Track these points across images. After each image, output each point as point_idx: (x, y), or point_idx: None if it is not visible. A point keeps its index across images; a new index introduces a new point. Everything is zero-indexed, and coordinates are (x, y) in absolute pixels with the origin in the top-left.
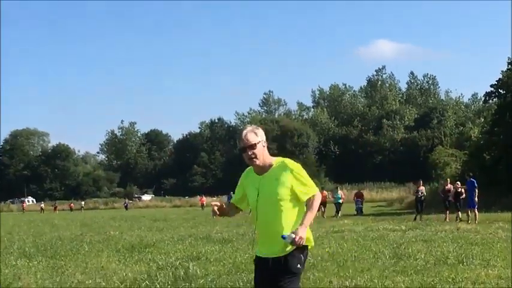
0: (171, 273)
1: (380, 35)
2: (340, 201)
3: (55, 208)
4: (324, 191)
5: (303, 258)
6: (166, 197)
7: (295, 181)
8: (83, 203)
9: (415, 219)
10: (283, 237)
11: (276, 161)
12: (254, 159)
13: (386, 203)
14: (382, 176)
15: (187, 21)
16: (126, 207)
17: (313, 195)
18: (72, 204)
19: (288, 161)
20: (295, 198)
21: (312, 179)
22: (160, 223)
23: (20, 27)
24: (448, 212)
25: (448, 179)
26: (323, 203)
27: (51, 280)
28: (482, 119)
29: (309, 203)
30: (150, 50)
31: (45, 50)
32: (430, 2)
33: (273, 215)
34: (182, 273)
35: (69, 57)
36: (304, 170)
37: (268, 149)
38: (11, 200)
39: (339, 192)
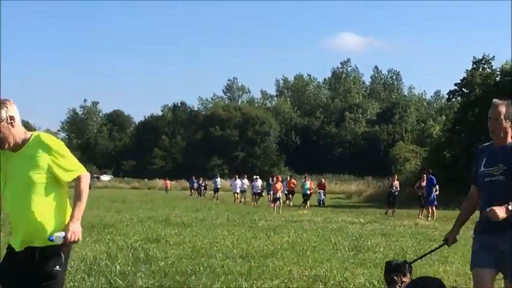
0: (131, 254)
1: (345, 28)
2: (308, 192)
3: None
4: (293, 180)
5: (63, 258)
6: (125, 178)
7: (54, 160)
8: None
9: (386, 213)
10: (51, 239)
11: (32, 137)
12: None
13: (345, 196)
14: (342, 168)
15: (154, 1)
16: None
17: (79, 177)
18: None
19: (45, 136)
20: (54, 181)
21: (271, 167)
22: (119, 204)
23: None
24: (423, 208)
25: (425, 175)
26: (291, 192)
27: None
28: (444, 117)
29: (76, 188)
30: (116, 30)
31: (8, 22)
32: None
33: (25, 203)
34: (142, 254)
35: (33, 32)
36: (65, 147)
37: (231, 135)
38: None
39: (307, 182)
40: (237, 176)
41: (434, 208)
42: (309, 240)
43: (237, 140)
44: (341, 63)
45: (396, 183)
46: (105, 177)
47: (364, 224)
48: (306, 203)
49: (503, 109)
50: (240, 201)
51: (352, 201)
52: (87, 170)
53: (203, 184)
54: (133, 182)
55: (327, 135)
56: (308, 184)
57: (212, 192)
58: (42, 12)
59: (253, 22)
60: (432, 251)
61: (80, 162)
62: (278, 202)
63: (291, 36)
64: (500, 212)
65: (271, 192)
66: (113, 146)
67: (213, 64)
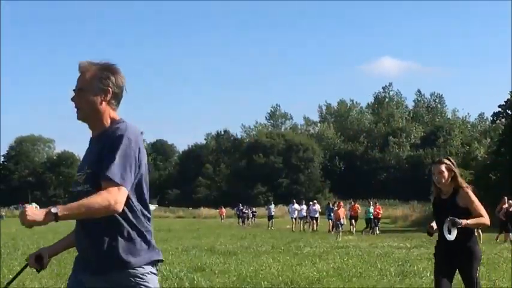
0: (176, 284)
1: (383, 52)
2: (371, 216)
3: None
4: (357, 204)
5: None
6: (170, 207)
7: None
8: None
9: (497, 238)
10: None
11: None
12: None
13: (391, 220)
14: (387, 193)
15: (195, 31)
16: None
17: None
18: None
19: None
20: None
21: (316, 193)
22: (164, 233)
23: (26, 32)
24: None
25: (506, 197)
26: (354, 217)
27: (56, 287)
28: (489, 139)
29: None
30: (158, 59)
31: (50, 56)
32: (434, 19)
33: None
34: (187, 284)
35: (74, 64)
36: None
37: (274, 162)
38: (14, 206)
39: (371, 207)
40: (294, 201)
41: (480, 231)
42: (355, 266)
43: (281, 166)
44: (383, 87)
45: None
46: (151, 207)
47: (410, 249)
48: (370, 229)
49: None
50: (300, 229)
51: (398, 225)
52: None
53: (250, 212)
54: (178, 211)
55: (371, 160)
56: (372, 209)
57: (256, 219)
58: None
59: (293, 49)
60: None
61: None
62: (340, 228)
63: (332, 62)
64: None
65: (333, 218)
66: (157, 175)
67: (256, 91)
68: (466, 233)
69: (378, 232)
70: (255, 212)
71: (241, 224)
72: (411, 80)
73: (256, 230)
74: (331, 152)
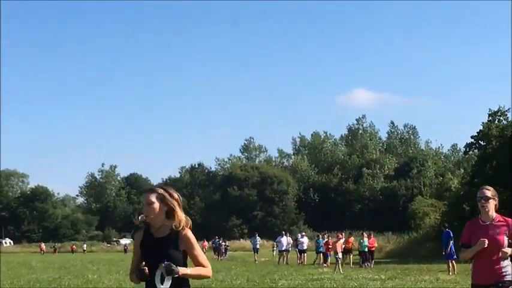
0: None
1: (358, 84)
2: (366, 249)
3: (55, 250)
4: (351, 238)
5: None
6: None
7: None
8: (85, 246)
9: None
10: None
11: None
12: None
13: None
14: (361, 224)
15: (168, 65)
16: (125, 251)
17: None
18: (74, 246)
19: None
20: None
21: (291, 226)
22: None
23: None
24: None
25: None
26: (348, 250)
27: None
28: (462, 170)
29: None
30: (132, 94)
31: (24, 90)
32: (406, 50)
33: None
34: None
35: (49, 98)
36: None
37: (249, 195)
38: None
39: (365, 239)
40: (283, 233)
41: (454, 262)
42: None
43: (256, 199)
44: (356, 119)
45: None
46: (125, 241)
47: (385, 281)
48: (367, 262)
49: None
50: (286, 262)
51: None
52: (106, 234)
53: (224, 245)
54: None
55: (345, 192)
56: (366, 241)
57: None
58: (55, 77)
59: (267, 81)
60: None
61: (99, 226)
62: (339, 261)
63: (305, 94)
64: None
65: (330, 252)
66: (131, 209)
67: (230, 124)
68: None
69: (371, 265)
70: (228, 245)
71: (216, 257)
72: (384, 112)
73: (231, 263)
74: (306, 184)
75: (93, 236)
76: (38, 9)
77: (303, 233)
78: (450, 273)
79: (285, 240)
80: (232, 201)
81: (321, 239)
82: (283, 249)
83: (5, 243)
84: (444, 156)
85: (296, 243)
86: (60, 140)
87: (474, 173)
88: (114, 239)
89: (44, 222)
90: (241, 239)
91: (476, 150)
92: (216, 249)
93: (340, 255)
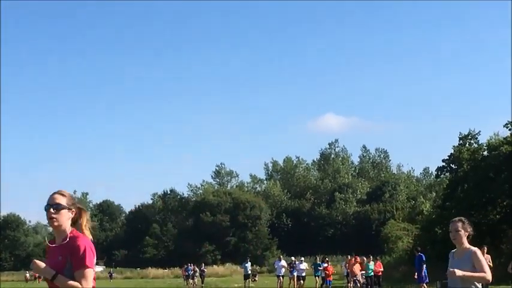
0: None
1: (327, 109)
2: (372, 274)
3: (36, 277)
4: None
5: None
6: (118, 268)
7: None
8: None
9: None
10: None
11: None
12: None
13: (339, 277)
14: (334, 249)
15: (138, 93)
16: (110, 277)
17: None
18: None
19: None
20: None
21: (264, 251)
22: None
23: None
24: None
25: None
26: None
27: None
28: (434, 193)
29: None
30: (103, 120)
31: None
32: (374, 73)
33: None
34: None
35: (17, 124)
36: None
37: (222, 221)
38: None
39: (371, 263)
40: (281, 257)
41: (425, 286)
42: None
43: (228, 225)
44: (329, 143)
45: None
46: (98, 268)
47: None
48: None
49: None
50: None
51: (346, 282)
52: None
53: (198, 271)
54: (126, 272)
55: (318, 217)
56: (372, 265)
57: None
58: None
59: (237, 106)
60: None
61: None
62: (358, 285)
63: (277, 120)
64: None
65: (331, 278)
66: (104, 236)
67: (201, 150)
68: None
69: None
70: (204, 270)
71: (192, 284)
72: (355, 136)
73: None
74: (278, 209)
75: None
76: None
77: (302, 259)
78: None
79: (284, 264)
80: (205, 227)
81: (318, 263)
82: (281, 274)
83: None
84: (416, 180)
85: (291, 268)
86: (30, 167)
87: (446, 196)
88: None
89: (15, 251)
90: (214, 265)
91: (447, 174)
92: (188, 277)
93: (359, 277)
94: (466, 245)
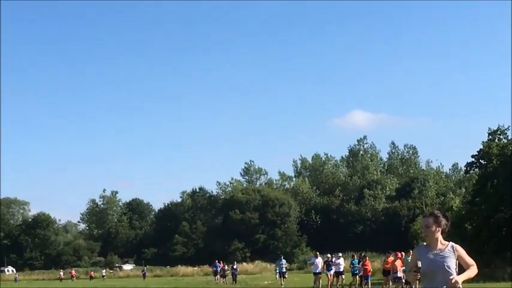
0: None
1: (354, 106)
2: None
3: (72, 276)
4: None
5: None
6: (148, 266)
7: None
8: (104, 272)
9: None
10: None
11: None
12: None
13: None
14: (364, 245)
15: (168, 91)
16: (144, 275)
17: None
18: (92, 273)
19: None
20: None
21: (293, 248)
22: None
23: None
24: None
25: None
26: (388, 271)
27: None
28: (463, 189)
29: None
30: (132, 120)
31: (25, 117)
32: (402, 69)
33: None
34: None
35: (50, 126)
36: None
37: (251, 218)
38: None
39: (409, 258)
40: (317, 253)
41: None
42: None
43: (257, 222)
44: (357, 140)
45: None
46: (128, 266)
47: None
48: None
49: None
50: (336, 283)
51: (376, 278)
52: (109, 260)
53: (227, 269)
54: (155, 270)
55: (347, 213)
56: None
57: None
58: (55, 105)
59: (266, 104)
60: None
61: (101, 252)
62: (402, 281)
63: (304, 118)
64: None
65: (369, 273)
66: (133, 234)
67: (230, 148)
68: None
69: None
70: (236, 269)
71: (221, 281)
72: (384, 132)
73: None
74: (307, 206)
75: (96, 262)
76: None
77: (339, 254)
78: None
79: (320, 261)
80: (234, 224)
81: (356, 260)
82: (318, 271)
83: (7, 271)
84: (445, 176)
85: (328, 264)
86: (60, 166)
87: (475, 192)
88: (117, 264)
89: (46, 250)
90: (244, 263)
91: (477, 169)
92: (216, 273)
93: (400, 274)
94: (442, 240)
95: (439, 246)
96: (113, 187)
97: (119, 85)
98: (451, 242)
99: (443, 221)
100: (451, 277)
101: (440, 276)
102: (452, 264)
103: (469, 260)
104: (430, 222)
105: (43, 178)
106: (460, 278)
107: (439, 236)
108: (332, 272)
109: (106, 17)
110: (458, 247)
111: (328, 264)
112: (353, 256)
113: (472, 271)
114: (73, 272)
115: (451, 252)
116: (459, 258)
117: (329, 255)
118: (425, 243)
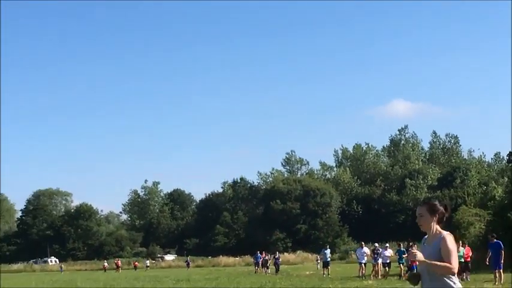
0: None
1: (395, 95)
2: (462, 259)
3: (117, 267)
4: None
5: None
6: (189, 256)
7: None
8: (147, 262)
9: None
10: None
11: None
12: None
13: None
14: (405, 235)
15: (209, 82)
16: (188, 265)
17: None
18: (136, 263)
19: None
20: None
21: (335, 238)
22: (184, 283)
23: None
24: None
25: None
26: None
27: None
28: (506, 179)
29: None
30: (174, 111)
31: (68, 109)
32: (444, 58)
33: None
34: None
35: (92, 117)
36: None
37: (292, 208)
38: (33, 260)
39: (461, 248)
40: (363, 243)
41: (501, 272)
42: None
43: (299, 212)
44: (399, 130)
45: None
46: (169, 257)
47: None
48: (463, 273)
49: None
50: (377, 275)
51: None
52: (151, 250)
53: (270, 259)
54: (197, 260)
55: (388, 203)
56: (462, 251)
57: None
58: (93, 97)
59: (307, 94)
60: None
61: (143, 242)
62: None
63: (345, 108)
64: None
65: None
66: (175, 225)
67: (271, 138)
68: None
69: (468, 277)
70: (279, 258)
71: (263, 271)
72: (425, 121)
73: (275, 278)
74: (349, 196)
75: (138, 252)
76: None
77: (387, 245)
78: (497, 283)
79: (367, 251)
80: (276, 215)
81: (402, 249)
82: (363, 261)
83: (51, 261)
84: (487, 165)
85: (375, 255)
86: (102, 157)
87: None
88: (159, 255)
89: (88, 240)
90: (285, 253)
91: None
92: (257, 264)
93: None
94: (436, 229)
95: (432, 236)
96: (154, 178)
97: (163, 76)
98: (443, 233)
99: (440, 210)
100: (413, 250)
101: (424, 269)
102: (434, 256)
103: (447, 258)
104: (423, 211)
105: (85, 169)
106: (422, 257)
107: (433, 225)
108: (379, 261)
109: (106, 17)
110: (446, 239)
111: (376, 254)
112: (400, 245)
113: (442, 265)
114: (119, 262)
115: (437, 244)
116: (442, 250)
117: (376, 245)
118: (426, 236)
